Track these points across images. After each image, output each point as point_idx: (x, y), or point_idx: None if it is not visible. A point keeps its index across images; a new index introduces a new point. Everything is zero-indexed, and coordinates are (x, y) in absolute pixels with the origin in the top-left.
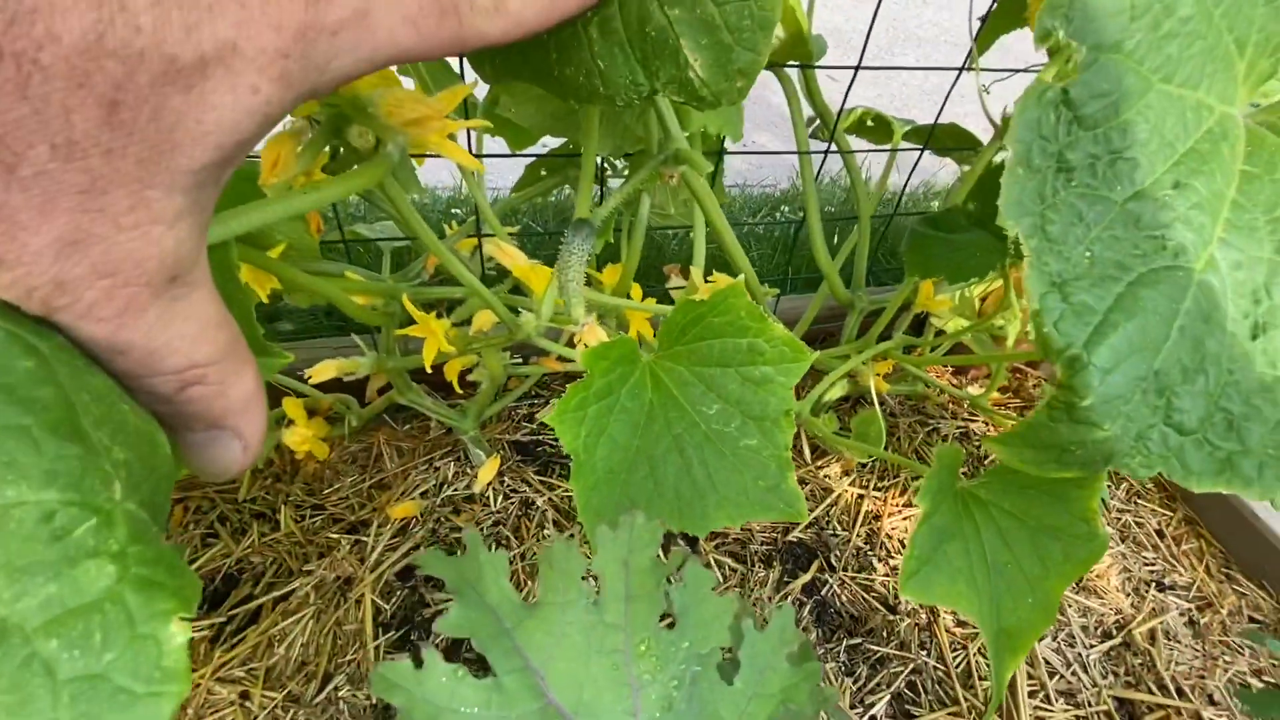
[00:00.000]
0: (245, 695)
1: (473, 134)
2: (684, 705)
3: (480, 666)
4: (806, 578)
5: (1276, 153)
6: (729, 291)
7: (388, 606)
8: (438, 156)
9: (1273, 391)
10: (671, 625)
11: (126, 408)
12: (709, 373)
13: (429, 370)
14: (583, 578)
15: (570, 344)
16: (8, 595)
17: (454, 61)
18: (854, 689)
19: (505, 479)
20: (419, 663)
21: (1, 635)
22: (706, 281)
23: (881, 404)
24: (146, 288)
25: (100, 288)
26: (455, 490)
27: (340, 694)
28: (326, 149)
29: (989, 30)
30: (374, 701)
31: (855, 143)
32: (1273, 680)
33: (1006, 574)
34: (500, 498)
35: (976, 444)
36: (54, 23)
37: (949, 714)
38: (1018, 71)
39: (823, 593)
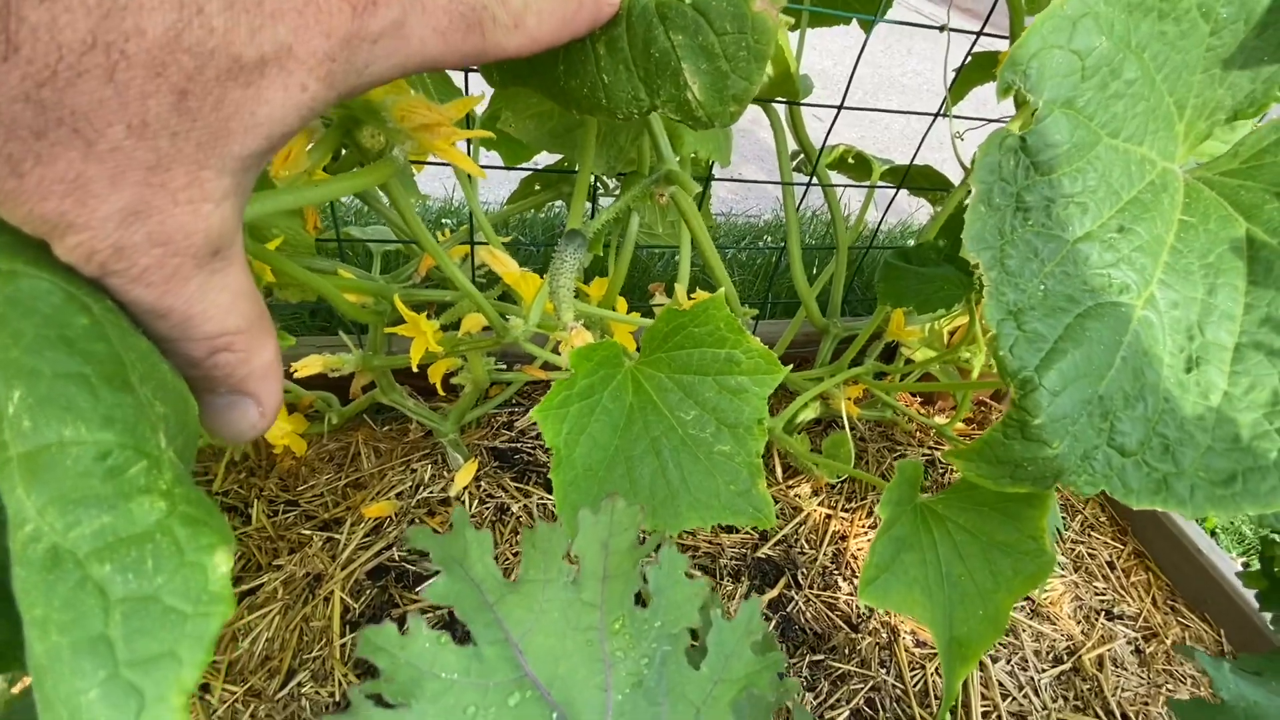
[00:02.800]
0: (205, 688)
1: (470, 147)
2: (653, 683)
3: (462, 639)
4: (774, 593)
5: (1210, 205)
6: (710, 303)
7: (356, 605)
8: (442, 164)
9: (1204, 420)
10: (644, 605)
11: (165, 367)
12: (688, 380)
13: (415, 370)
14: (563, 558)
15: (556, 351)
16: (60, 525)
17: (456, 75)
18: (815, 703)
19: (482, 484)
20: (403, 628)
21: (55, 561)
22: (690, 298)
23: (852, 428)
24: (192, 259)
25: (153, 255)
26: (431, 492)
27: (303, 690)
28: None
29: (962, 81)
30: (336, 699)
31: (836, 178)
32: None
33: (960, 586)
34: (476, 502)
35: (941, 471)
36: (141, 19)
37: None
38: (990, 121)
39: (788, 609)
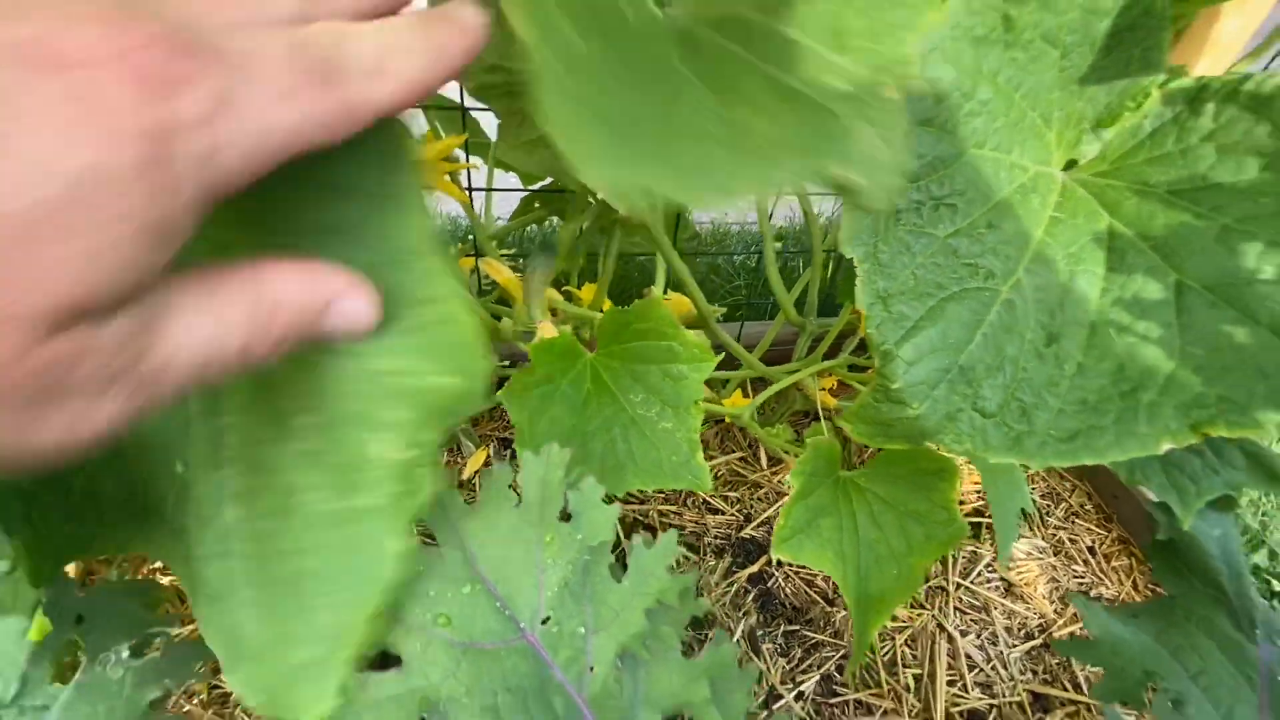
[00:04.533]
0: None
1: (484, 168)
2: (578, 586)
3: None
4: (754, 569)
5: (1080, 202)
6: (651, 304)
7: None
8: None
9: (1058, 387)
10: (569, 522)
11: None
12: (637, 368)
13: None
14: (510, 488)
15: None
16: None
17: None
18: (787, 668)
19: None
20: None
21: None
22: (665, 298)
23: (829, 419)
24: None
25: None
26: (448, 475)
27: None
28: None
29: None
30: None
31: (810, 186)
32: None
33: (875, 549)
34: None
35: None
36: None
37: (871, 694)
38: None
39: (768, 584)
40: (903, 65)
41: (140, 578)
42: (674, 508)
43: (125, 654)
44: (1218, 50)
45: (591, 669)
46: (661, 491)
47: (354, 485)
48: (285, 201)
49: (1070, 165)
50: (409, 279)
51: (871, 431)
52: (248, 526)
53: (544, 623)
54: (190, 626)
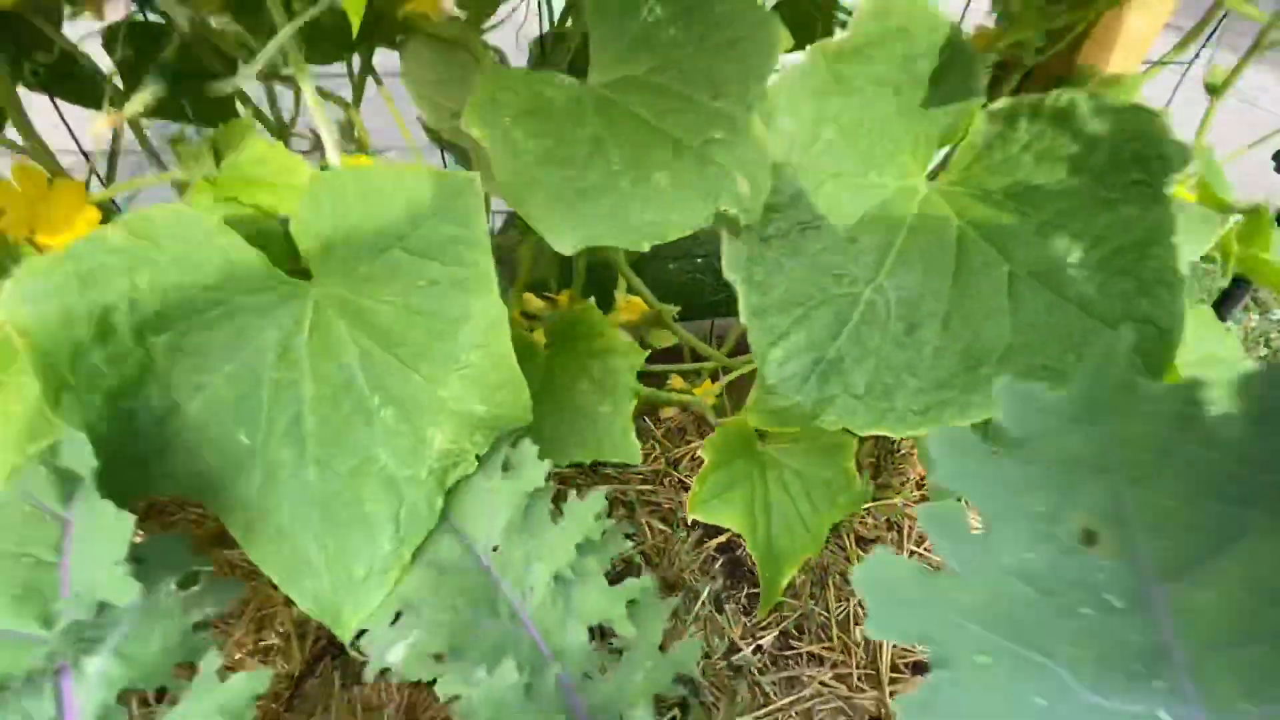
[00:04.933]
0: (290, 599)
1: None
2: (520, 524)
3: None
4: (722, 539)
5: (937, 209)
6: (587, 308)
7: None
8: None
9: (916, 369)
10: (509, 473)
11: None
12: (582, 362)
13: None
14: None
15: None
16: None
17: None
18: (748, 624)
19: None
20: None
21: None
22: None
23: None
24: None
25: None
26: None
27: None
28: None
29: None
30: None
31: None
32: None
33: (784, 511)
34: None
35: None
36: None
37: (823, 647)
38: None
39: (735, 552)
40: (765, 102)
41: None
42: (650, 487)
43: (173, 587)
44: (1127, 47)
45: (532, 589)
46: (640, 473)
47: (418, 460)
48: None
49: (933, 177)
50: (471, 336)
51: (766, 418)
52: (324, 483)
53: (494, 551)
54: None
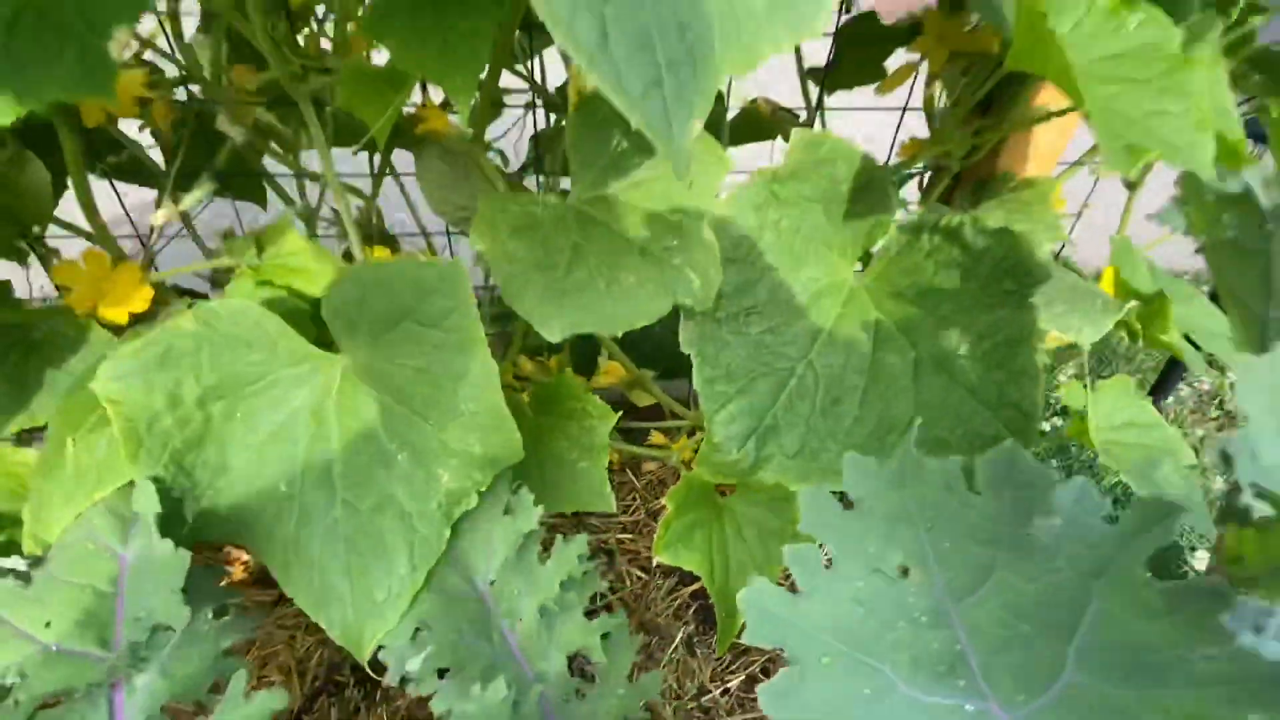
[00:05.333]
0: (293, 638)
1: None
2: (514, 561)
3: None
4: (695, 587)
5: (860, 301)
6: (567, 376)
7: None
8: None
9: (837, 434)
10: (509, 516)
11: None
12: (563, 423)
13: None
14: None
15: None
16: None
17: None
18: (717, 667)
19: None
20: None
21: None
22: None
23: None
24: None
25: None
26: None
27: None
28: None
29: None
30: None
31: None
32: None
33: (739, 557)
34: None
35: None
36: None
37: None
38: None
39: (707, 600)
40: (712, 214)
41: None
42: (630, 536)
43: (210, 615)
44: (1039, 156)
45: (521, 618)
46: (621, 522)
47: (429, 496)
48: (399, 350)
49: (859, 274)
50: (469, 389)
51: (712, 471)
52: (350, 520)
53: (491, 584)
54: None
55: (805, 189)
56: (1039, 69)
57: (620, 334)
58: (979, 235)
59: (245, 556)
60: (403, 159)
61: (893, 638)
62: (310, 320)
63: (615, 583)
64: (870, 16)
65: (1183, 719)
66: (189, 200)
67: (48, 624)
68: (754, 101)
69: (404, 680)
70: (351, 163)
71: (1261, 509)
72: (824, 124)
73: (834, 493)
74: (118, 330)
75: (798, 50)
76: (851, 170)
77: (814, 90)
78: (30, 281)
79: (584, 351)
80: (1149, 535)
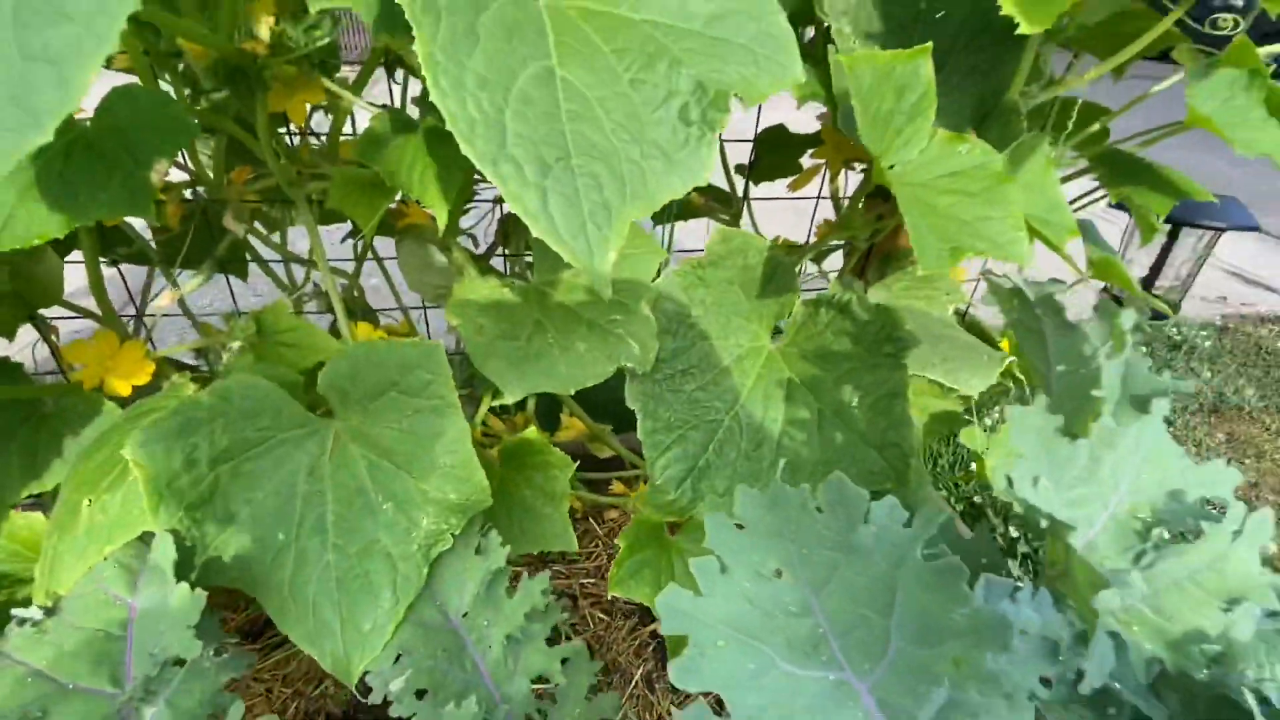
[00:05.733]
0: (269, 690)
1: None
2: (484, 596)
3: None
4: (654, 625)
5: (776, 363)
6: (530, 433)
7: None
8: None
9: (759, 476)
10: (480, 555)
11: None
12: (528, 474)
13: None
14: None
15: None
16: None
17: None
18: (675, 701)
19: None
20: None
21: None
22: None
23: None
24: None
25: None
26: None
27: (329, 691)
28: None
29: None
30: (351, 699)
31: None
32: None
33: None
34: None
35: None
36: None
37: None
38: None
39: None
40: (650, 291)
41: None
42: (593, 580)
43: (211, 653)
44: (906, 263)
45: (490, 646)
46: (584, 567)
47: (410, 539)
48: (385, 415)
49: (775, 341)
50: (445, 445)
51: (656, 509)
52: (340, 563)
53: (464, 616)
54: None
55: (724, 274)
56: (885, 183)
57: (573, 392)
58: (863, 310)
59: (226, 614)
60: (382, 242)
61: (771, 625)
62: (303, 390)
63: (579, 624)
64: (781, 127)
65: (957, 664)
66: (190, 285)
67: (63, 665)
68: (690, 194)
69: (386, 701)
70: (337, 242)
71: (1039, 522)
72: (749, 210)
73: (729, 516)
74: (123, 402)
75: (723, 153)
76: (761, 258)
77: (741, 183)
78: (34, 355)
79: (547, 410)
80: (925, 532)
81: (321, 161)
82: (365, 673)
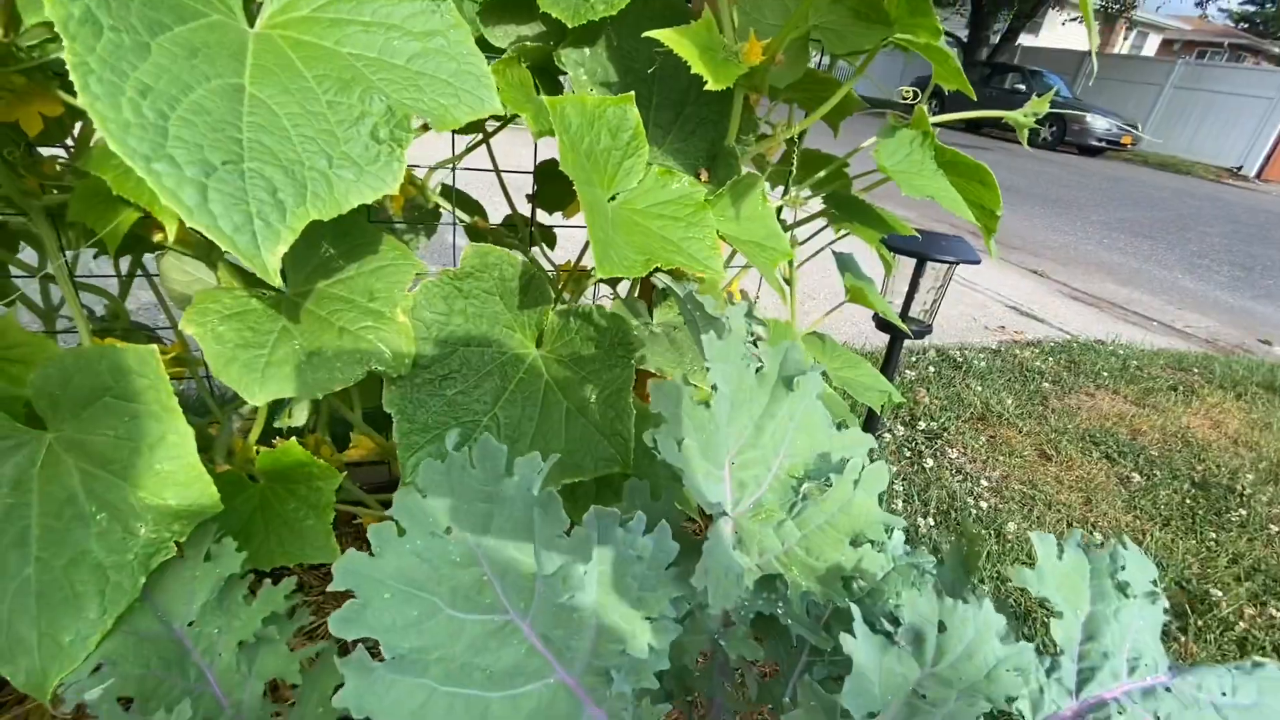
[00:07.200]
0: None
1: None
2: (215, 603)
3: None
4: None
5: (535, 368)
6: (291, 445)
7: None
8: None
9: None
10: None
11: None
12: (293, 487)
13: None
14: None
15: None
16: None
17: None
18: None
19: None
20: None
21: None
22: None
23: None
24: None
25: None
26: None
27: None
28: None
29: None
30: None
31: None
32: None
33: None
34: None
35: None
36: None
37: None
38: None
39: None
40: (406, 304)
41: None
42: None
43: None
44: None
45: (220, 654)
46: None
47: (125, 548)
48: (100, 423)
49: (539, 345)
50: (165, 451)
51: None
52: (42, 576)
53: (190, 624)
54: None
55: (483, 285)
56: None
57: (321, 396)
58: (602, 319)
59: None
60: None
61: (438, 575)
62: (15, 402)
63: None
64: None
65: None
66: None
67: None
68: (474, 219)
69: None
70: (109, 266)
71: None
72: (534, 234)
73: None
74: None
75: (503, 186)
76: (516, 272)
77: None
78: None
79: (337, 431)
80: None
81: (68, 174)
82: (61, 685)
